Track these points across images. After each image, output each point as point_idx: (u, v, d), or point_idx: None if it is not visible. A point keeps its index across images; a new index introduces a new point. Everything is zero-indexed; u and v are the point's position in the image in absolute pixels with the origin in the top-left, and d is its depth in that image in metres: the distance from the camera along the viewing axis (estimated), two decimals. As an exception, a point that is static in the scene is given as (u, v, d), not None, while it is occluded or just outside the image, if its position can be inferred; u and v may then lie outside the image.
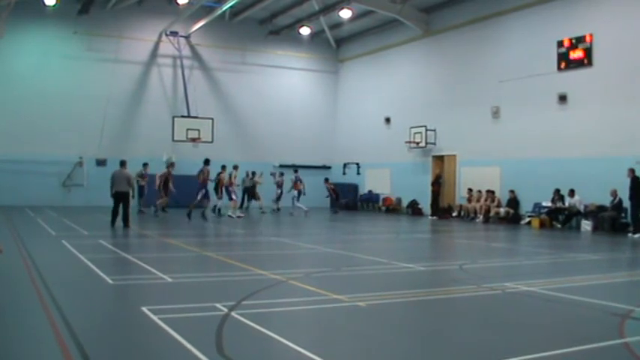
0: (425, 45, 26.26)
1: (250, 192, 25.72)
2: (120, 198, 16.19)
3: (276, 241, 14.69)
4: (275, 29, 29.33)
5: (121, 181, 16.20)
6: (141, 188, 22.06)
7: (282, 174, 25.72)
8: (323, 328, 6.05)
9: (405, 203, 26.81)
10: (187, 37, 28.27)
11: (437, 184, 24.51)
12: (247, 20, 28.82)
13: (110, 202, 16.67)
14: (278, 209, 24.87)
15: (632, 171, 16.75)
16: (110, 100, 26.21)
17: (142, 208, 22.08)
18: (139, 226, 17.27)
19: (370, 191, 29.16)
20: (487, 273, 9.73)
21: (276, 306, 6.77)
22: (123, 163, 16.59)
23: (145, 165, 22.62)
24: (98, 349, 4.99)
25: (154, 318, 5.89)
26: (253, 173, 25.27)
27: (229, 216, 20.96)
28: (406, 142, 25.77)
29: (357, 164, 30.03)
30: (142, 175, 22.24)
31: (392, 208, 27.33)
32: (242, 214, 21.97)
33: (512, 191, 21.23)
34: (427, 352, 5.25)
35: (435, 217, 23.77)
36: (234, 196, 21.66)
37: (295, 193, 23.88)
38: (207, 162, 20.52)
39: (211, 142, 25.79)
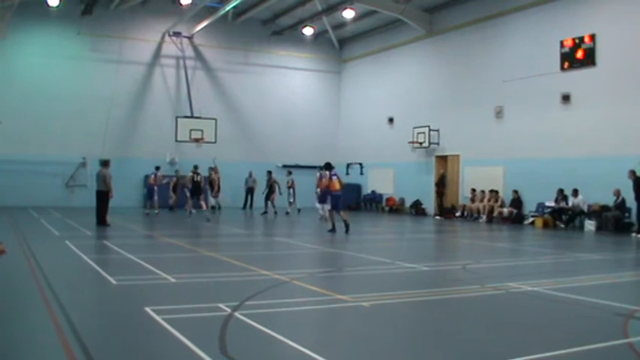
0: (428, 45, 26.24)
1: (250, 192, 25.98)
2: (97, 196, 16.90)
3: (279, 241, 14.70)
4: (278, 29, 29.36)
5: (97, 180, 17.04)
6: (150, 190, 22.19)
7: (289, 172, 25.12)
8: (326, 328, 6.05)
9: (408, 203, 26.78)
10: (190, 38, 28.30)
11: (442, 184, 24.50)
12: (250, 21, 28.83)
13: (112, 203, 17.20)
14: (285, 212, 23.76)
15: (632, 173, 16.74)
16: (113, 100, 26.22)
17: (147, 211, 22.39)
18: (142, 227, 17.31)
19: (373, 191, 29.12)
20: (491, 273, 9.71)
21: (279, 306, 6.76)
22: (103, 163, 17.30)
23: (158, 168, 23.03)
24: (101, 349, 5.00)
25: (158, 318, 5.90)
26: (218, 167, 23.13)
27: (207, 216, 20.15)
28: (409, 142, 25.73)
29: (361, 164, 29.99)
30: (155, 177, 22.54)
31: (395, 208, 27.30)
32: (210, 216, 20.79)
33: (515, 191, 21.19)
34: (431, 352, 5.24)
35: (440, 217, 23.74)
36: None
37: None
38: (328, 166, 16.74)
39: (214, 142, 25.83)
